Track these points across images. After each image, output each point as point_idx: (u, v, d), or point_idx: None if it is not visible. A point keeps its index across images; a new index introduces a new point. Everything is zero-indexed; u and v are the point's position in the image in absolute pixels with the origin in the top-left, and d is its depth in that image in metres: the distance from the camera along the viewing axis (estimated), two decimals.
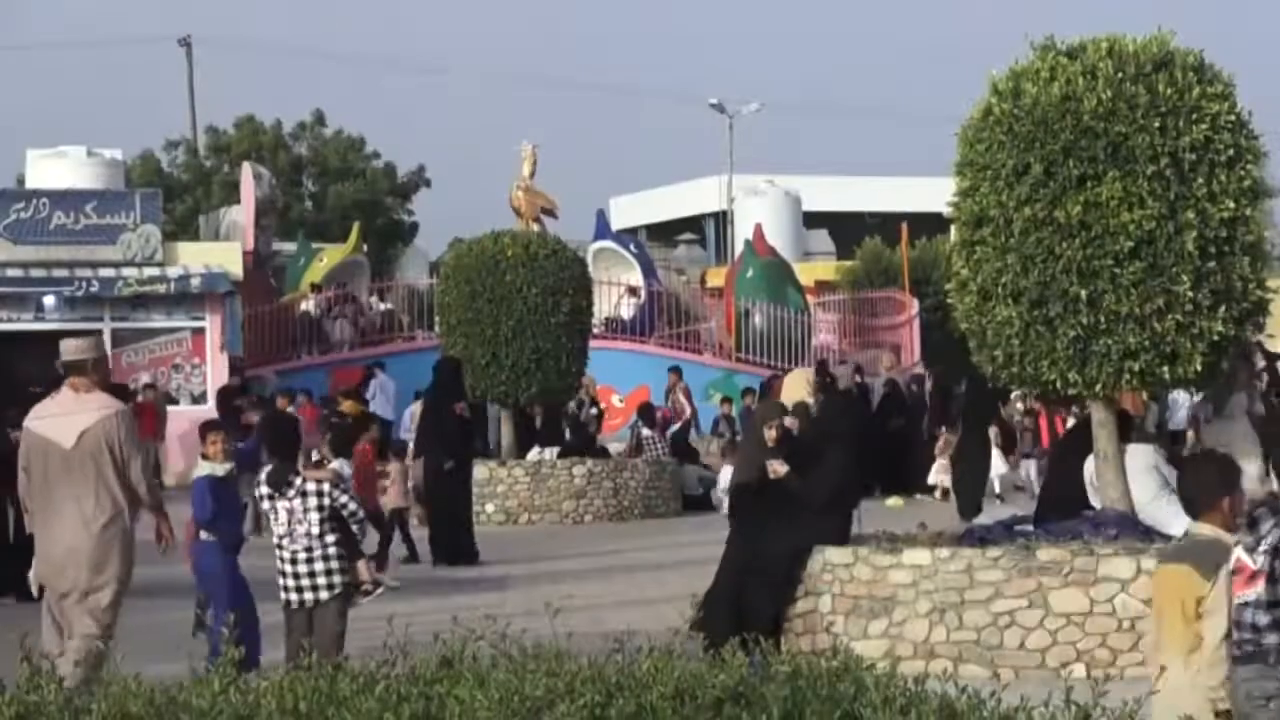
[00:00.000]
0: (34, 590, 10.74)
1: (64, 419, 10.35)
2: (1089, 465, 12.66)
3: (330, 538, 10.91)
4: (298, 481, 10.95)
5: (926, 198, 49.84)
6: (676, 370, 30.76)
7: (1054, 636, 11.32)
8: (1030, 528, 12.69)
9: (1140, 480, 12.46)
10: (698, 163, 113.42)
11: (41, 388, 17.85)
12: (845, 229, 60.66)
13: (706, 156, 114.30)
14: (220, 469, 11.69)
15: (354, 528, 11.15)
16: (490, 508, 23.53)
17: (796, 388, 22.60)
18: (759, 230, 37.59)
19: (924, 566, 11.63)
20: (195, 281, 31.19)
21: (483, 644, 5.99)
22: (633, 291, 35.04)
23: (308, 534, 10.87)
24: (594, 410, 28.69)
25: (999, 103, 11.96)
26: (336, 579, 10.93)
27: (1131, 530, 12.01)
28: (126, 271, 30.92)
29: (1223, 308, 11.73)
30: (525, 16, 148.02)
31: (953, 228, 13.02)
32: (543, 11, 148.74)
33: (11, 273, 30.58)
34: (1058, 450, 15.76)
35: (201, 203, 48.94)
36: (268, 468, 11.23)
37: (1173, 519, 12.47)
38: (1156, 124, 11.60)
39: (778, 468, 12.35)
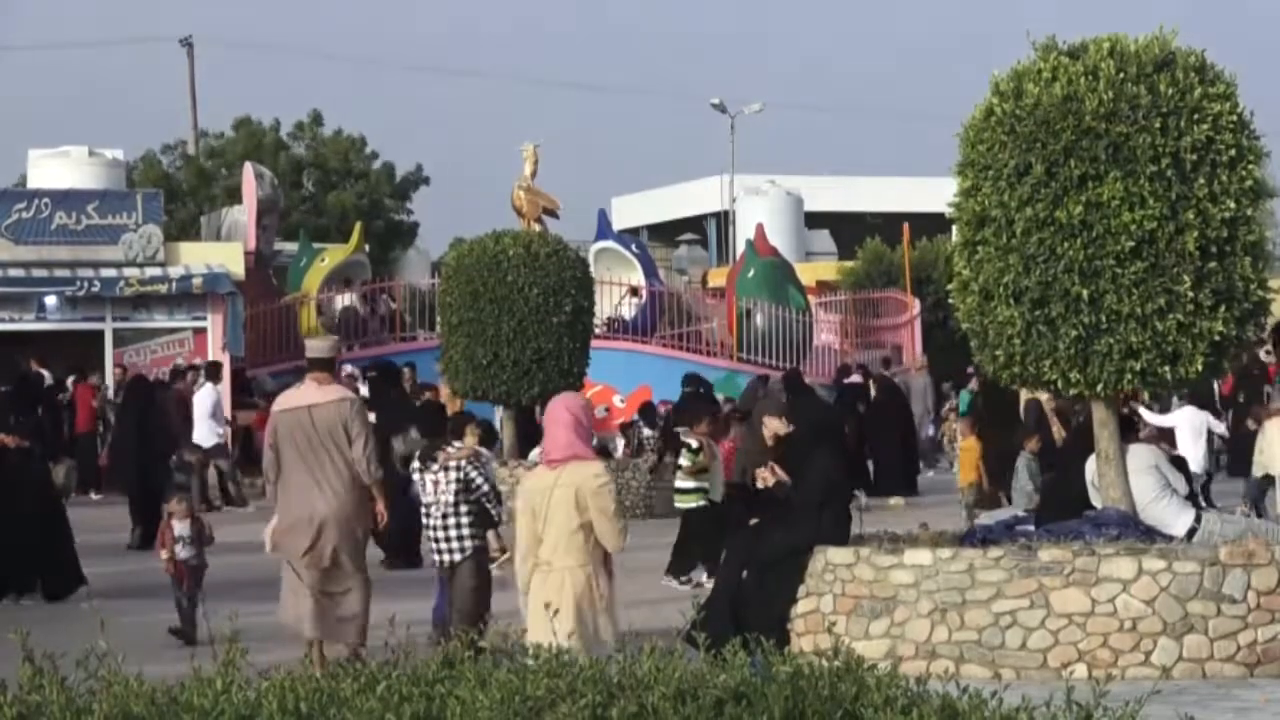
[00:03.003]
0: (268, 548, 12.40)
1: (309, 404, 12.09)
2: (1090, 465, 12.66)
3: (464, 507, 12.49)
4: (441, 458, 12.62)
5: (928, 198, 49.93)
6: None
7: (1055, 637, 11.31)
8: (1031, 528, 12.69)
9: (1142, 480, 12.46)
10: (699, 163, 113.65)
11: (8, 386, 17.87)
12: (847, 229, 60.71)
13: (708, 156, 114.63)
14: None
15: (485, 502, 12.55)
16: None
17: None
18: (760, 230, 37.56)
19: (925, 567, 11.63)
20: (197, 281, 31.17)
21: (484, 644, 5.99)
22: (634, 292, 35.01)
23: (447, 503, 12.50)
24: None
25: (1000, 103, 11.95)
26: (469, 543, 12.47)
27: (1133, 530, 12.01)
28: (128, 271, 30.90)
29: (1224, 308, 11.72)
30: (526, 17, 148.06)
31: (954, 228, 13.01)
32: (544, 11, 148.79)
33: (13, 272, 30.56)
34: (1060, 451, 15.79)
35: (203, 206, 48.89)
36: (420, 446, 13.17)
37: (1174, 519, 12.48)
38: (1158, 124, 11.59)
39: (766, 475, 12.37)
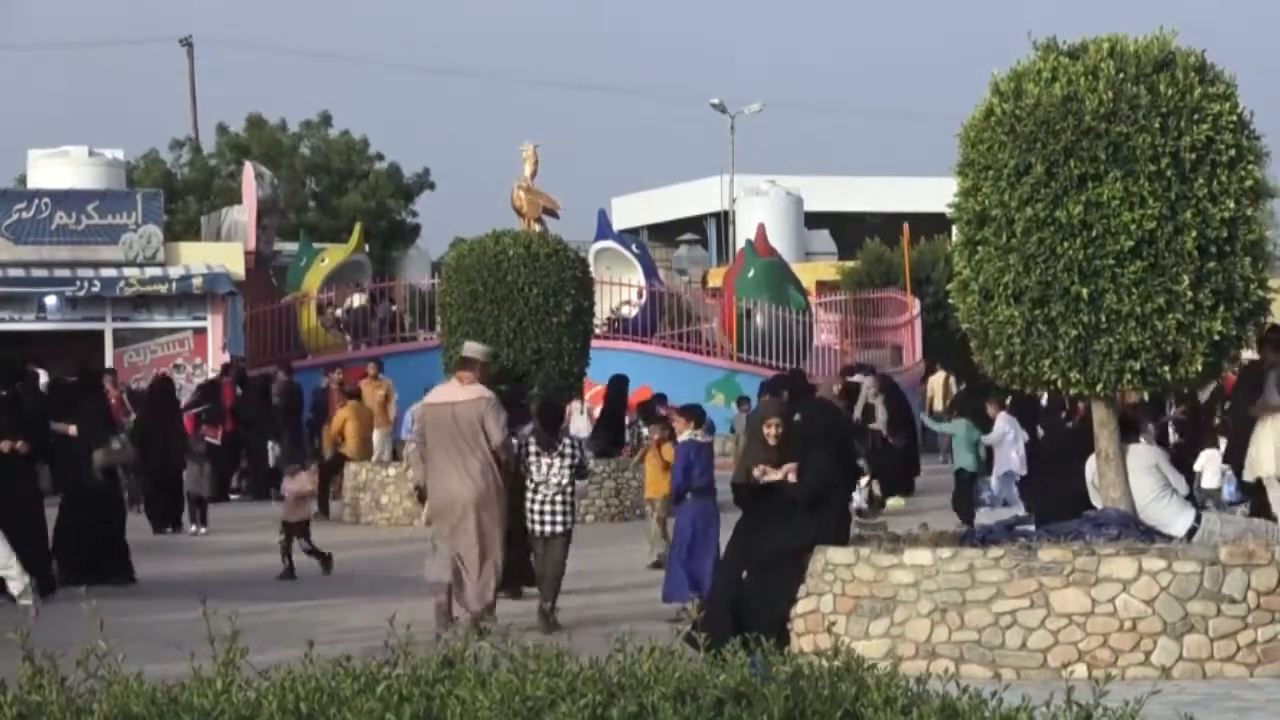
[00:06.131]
0: (423, 522, 15.28)
1: (452, 401, 13.90)
2: (1090, 465, 12.66)
3: (569, 488, 14.28)
4: (560, 445, 14.26)
5: (928, 198, 49.92)
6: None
7: (1055, 637, 11.30)
8: (1031, 528, 12.69)
9: (1142, 480, 12.46)
10: (699, 163, 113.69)
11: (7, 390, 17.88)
12: (846, 229, 60.71)
13: (708, 156, 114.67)
14: (701, 437, 15.37)
15: (589, 481, 14.81)
16: None
17: None
18: (760, 230, 37.59)
19: (925, 566, 11.62)
20: (197, 281, 31.19)
21: (484, 644, 5.99)
22: (639, 293, 35.00)
23: (558, 484, 14.20)
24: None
25: (1000, 103, 11.95)
26: (569, 519, 14.32)
27: (1133, 530, 12.00)
28: (128, 271, 30.92)
29: (1223, 308, 11.72)
30: (527, 17, 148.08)
31: (954, 228, 13.00)
32: (544, 12, 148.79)
33: (13, 273, 30.60)
34: (1059, 450, 15.75)
35: (205, 204, 48.86)
36: (531, 432, 14.60)
37: (1174, 519, 12.48)
38: (1158, 124, 11.59)
39: (765, 470, 12.37)
